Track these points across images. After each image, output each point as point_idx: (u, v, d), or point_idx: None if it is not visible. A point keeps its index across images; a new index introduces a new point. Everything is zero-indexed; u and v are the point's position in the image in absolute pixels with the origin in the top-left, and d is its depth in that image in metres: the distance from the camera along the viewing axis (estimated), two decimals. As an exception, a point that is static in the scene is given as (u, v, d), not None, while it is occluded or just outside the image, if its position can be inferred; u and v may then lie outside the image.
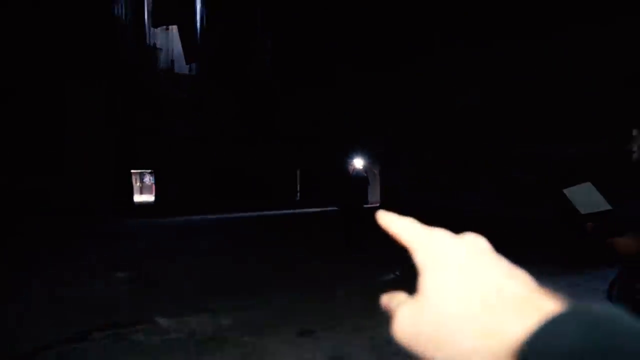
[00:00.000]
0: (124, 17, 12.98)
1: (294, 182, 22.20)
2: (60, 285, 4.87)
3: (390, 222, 0.32)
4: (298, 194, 22.14)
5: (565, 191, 1.80)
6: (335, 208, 7.07)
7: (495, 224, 9.96)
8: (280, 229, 10.20)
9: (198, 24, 13.56)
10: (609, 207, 1.67)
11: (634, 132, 1.57)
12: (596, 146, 8.26)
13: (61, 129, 12.32)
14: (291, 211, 15.10)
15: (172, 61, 16.73)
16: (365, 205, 6.92)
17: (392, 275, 5.28)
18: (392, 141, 15.23)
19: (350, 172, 6.81)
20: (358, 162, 6.89)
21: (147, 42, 13.85)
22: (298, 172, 21.97)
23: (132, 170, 19.14)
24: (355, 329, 3.49)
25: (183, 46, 14.11)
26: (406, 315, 0.25)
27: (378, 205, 15.75)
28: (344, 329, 3.48)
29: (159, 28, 15.44)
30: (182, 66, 16.82)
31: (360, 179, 6.78)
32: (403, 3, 12.74)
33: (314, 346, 3.16)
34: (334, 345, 3.16)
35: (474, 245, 0.26)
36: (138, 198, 22.43)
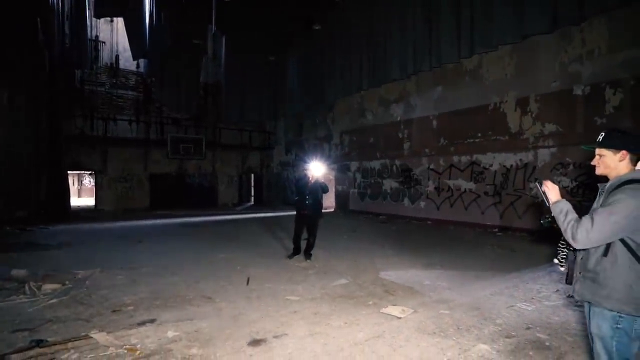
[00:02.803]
0: (61, 5, 11.90)
1: (247, 186, 21.77)
2: (-26, 300, 4.28)
3: None
4: (252, 198, 21.77)
5: (536, 184, 2.17)
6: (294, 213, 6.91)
7: (440, 229, 10.49)
8: (228, 234, 9.85)
9: (147, 18, 12.80)
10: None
11: (531, 185, 1.92)
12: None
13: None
14: (243, 216, 14.69)
15: (117, 56, 15.68)
16: (320, 213, 6.84)
17: (342, 281, 5.30)
18: (346, 147, 15.46)
19: (307, 179, 6.63)
20: (316, 169, 6.70)
21: (88, 34, 12.82)
22: (252, 177, 21.62)
23: (70, 172, 17.66)
24: (308, 334, 3.43)
25: (129, 40, 13.25)
26: None
27: (332, 210, 15.87)
28: (297, 335, 3.40)
29: (102, 20, 14.39)
30: (128, 62, 15.83)
31: (316, 186, 6.62)
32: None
33: (267, 355, 3.04)
34: (288, 353, 3.07)
35: None
36: (77, 201, 20.74)
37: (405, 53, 11.35)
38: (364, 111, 14.48)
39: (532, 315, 3.94)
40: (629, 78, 7.61)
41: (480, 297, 4.53)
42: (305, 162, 7.00)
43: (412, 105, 12.44)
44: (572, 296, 4.56)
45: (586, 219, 1.90)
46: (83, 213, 15.30)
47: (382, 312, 4.01)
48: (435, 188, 11.55)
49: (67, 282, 5.02)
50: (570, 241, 1.96)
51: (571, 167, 8.37)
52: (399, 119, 12.95)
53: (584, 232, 1.86)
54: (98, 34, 14.95)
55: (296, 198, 6.85)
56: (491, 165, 9.94)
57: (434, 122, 11.64)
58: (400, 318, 3.85)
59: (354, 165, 15.01)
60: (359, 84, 13.32)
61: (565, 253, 2.22)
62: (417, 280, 5.29)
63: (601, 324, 1.97)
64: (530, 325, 3.66)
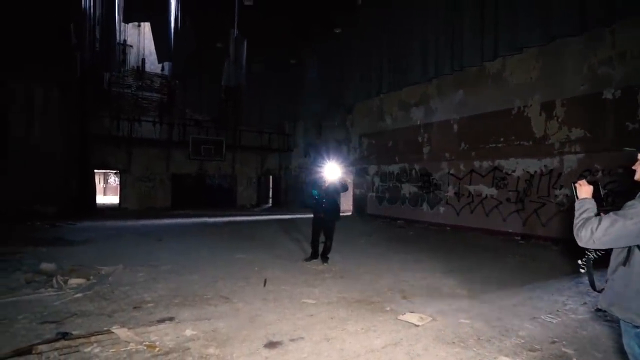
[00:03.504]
0: (92, 11, 12.41)
1: (265, 188, 21.97)
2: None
3: None
4: (270, 200, 21.95)
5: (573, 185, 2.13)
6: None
7: (461, 235, 10.27)
8: (246, 235, 9.96)
9: (172, 23, 13.16)
10: None
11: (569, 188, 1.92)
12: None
13: (4, 127, 11.54)
14: (261, 217, 14.82)
15: (143, 60, 16.17)
16: (338, 216, 6.81)
17: (358, 286, 5.25)
18: (365, 151, 15.39)
19: (323, 182, 6.63)
20: (332, 172, 6.69)
21: (117, 38, 13.29)
22: (271, 178, 21.81)
23: (96, 171, 18.29)
24: (324, 339, 3.42)
25: (155, 44, 13.65)
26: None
27: (350, 214, 15.81)
28: (313, 339, 3.39)
29: (130, 24, 14.89)
30: (153, 65, 16.29)
31: (333, 190, 6.58)
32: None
33: (283, 358, 3.05)
34: (304, 357, 3.06)
35: None
36: (102, 199, 21.47)
37: (426, 56, 11.24)
38: (383, 114, 14.39)
39: (557, 328, 3.79)
40: (664, 81, 7.27)
41: (502, 307, 4.39)
42: (320, 164, 6.97)
43: (433, 109, 12.26)
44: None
45: (595, 219, 1.83)
46: (108, 211, 15.81)
47: (400, 319, 3.95)
48: (455, 193, 11.33)
49: (91, 277, 5.18)
50: (576, 238, 1.89)
51: (600, 174, 8.04)
52: (418, 122, 12.80)
53: (589, 232, 1.81)
54: (126, 38, 15.45)
55: (313, 201, 6.84)
56: (514, 171, 9.67)
57: (455, 126, 11.44)
58: (418, 326, 3.78)
59: (372, 168, 14.91)
60: (379, 87, 13.27)
61: (589, 256, 2.14)
62: (436, 287, 5.19)
63: (630, 343, 1.88)
64: (555, 339, 3.52)
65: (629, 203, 1.84)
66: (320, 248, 6.73)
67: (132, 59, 16.12)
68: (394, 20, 12.26)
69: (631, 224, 1.73)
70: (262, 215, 15.86)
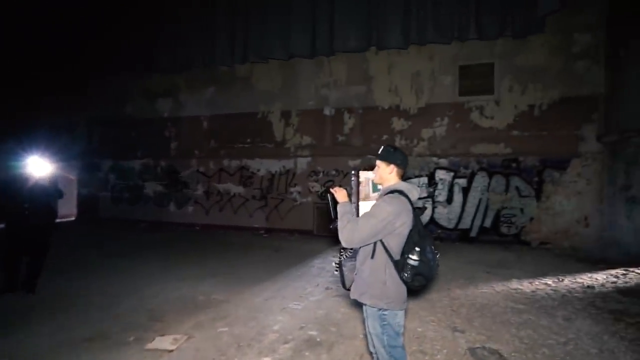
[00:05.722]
0: None
1: None
2: None
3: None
4: None
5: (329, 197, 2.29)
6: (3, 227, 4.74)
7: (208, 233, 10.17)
8: None
9: None
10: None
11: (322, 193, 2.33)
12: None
13: None
14: None
15: None
16: (51, 224, 5.03)
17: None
18: (96, 142, 12.65)
19: (26, 179, 4.75)
20: (39, 167, 4.89)
21: None
22: None
23: None
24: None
25: None
26: None
27: (74, 219, 12.57)
28: None
29: None
30: None
31: (43, 189, 4.85)
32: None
33: None
34: None
35: None
36: None
37: (176, 46, 10.43)
38: (124, 101, 12.24)
39: (302, 314, 4.18)
40: (358, 107, 9.77)
41: (257, 305, 4.46)
42: (19, 159, 4.96)
43: (182, 103, 11.52)
44: (328, 288, 5.25)
45: (354, 222, 2.05)
46: None
47: (148, 349, 3.22)
48: (205, 192, 11.12)
49: None
50: (341, 240, 2.07)
51: (321, 174, 9.92)
52: (166, 115, 11.71)
53: (350, 232, 2.03)
54: None
55: (7, 206, 4.74)
56: (259, 170, 10.48)
57: (205, 123, 11.21)
58: (171, 350, 3.20)
59: (106, 163, 12.42)
60: (121, 67, 11.23)
61: (342, 258, 2.42)
62: (190, 297, 4.70)
63: (374, 324, 2.15)
64: (302, 325, 3.84)
65: (377, 203, 2.11)
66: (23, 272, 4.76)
67: None
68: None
69: (378, 221, 1.99)
70: None
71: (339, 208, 2.17)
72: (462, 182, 8.72)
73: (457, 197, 8.74)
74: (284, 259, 7.10)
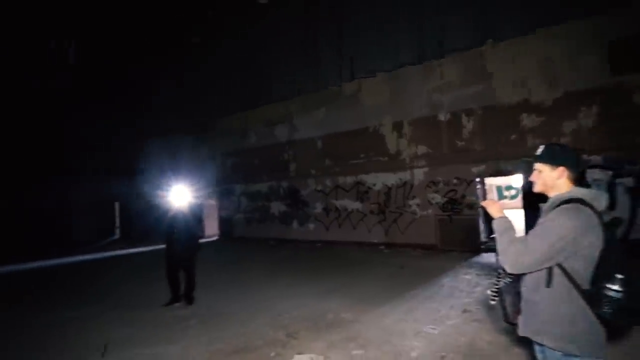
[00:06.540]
0: None
1: (111, 217, 18.41)
2: None
3: None
4: (117, 231, 18.43)
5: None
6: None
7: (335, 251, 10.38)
8: (83, 282, 7.81)
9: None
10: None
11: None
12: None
13: None
14: (105, 254, 12.10)
15: None
16: (195, 246, 5.74)
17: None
18: (229, 170, 14.45)
19: (170, 210, 5.60)
20: (180, 197, 5.69)
21: None
22: (117, 205, 18.39)
23: None
24: None
25: None
26: None
27: (216, 238, 14.48)
28: None
29: None
30: None
31: (183, 217, 5.56)
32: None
33: None
34: None
35: None
36: None
37: (288, 74, 11.28)
38: (247, 132, 13.78)
39: (440, 339, 3.79)
40: (477, 108, 8.88)
41: (388, 326, 4.25)
42: (166, 189, 5.87)
43: (296, 127, 12.33)
44: (466, 311, 4.72)
45: (519, 241, 1.67)
46: None
47: (289, 366, 3.33)
48: (323, 209, 11.52)
49: None
50: (504, 264, 1.70)
51: (441, 184, 9.27)
52: (283, 140, 12.69)
53: (517, 255, 1.65)
54: None
55: (164, 232, 5.63)
56: (375, 185, 10.38)
57: (319, 143, 11.72)
58: (310, 370, 3.23)
59: (238, 188, 14.05)
60: (242, 104, 12.71)
61: (501, 284, 1.95)
62: (320, 315, 4.77)
63: None
64: (443, 354, 3.47)
65: (541, 220, 1.71)
66: (183, 286, 5.57)
67: None
68: (255, 37, 11.97)
69: (556, 240, 1.58)
70: (107, 251, 13.00)
71: (495, 225, 1.80)
72: (628, 181, 7.02)
73: (623, 200, 7.05)
74: (408, 276, 6.74)
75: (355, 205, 10.74)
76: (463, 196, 8.87)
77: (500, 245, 1.72)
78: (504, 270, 1.82)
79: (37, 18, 12.18)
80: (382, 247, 9.93)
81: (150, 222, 17.21)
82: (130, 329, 4.52)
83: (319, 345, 3.78)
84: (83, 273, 8.92)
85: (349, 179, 10.93)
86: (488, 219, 1.88)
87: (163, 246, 5.62)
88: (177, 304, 5.46)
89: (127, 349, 3.91)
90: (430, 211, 9.34)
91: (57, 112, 15.13)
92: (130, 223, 17.96)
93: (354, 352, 3.58)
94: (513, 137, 8.30)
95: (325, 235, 11.37)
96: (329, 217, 11.36)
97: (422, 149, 9.64)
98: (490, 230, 1.96)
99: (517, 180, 12.82)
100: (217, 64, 13.28)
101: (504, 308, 2.01)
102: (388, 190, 10.11)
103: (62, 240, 14.98)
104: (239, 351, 3.74)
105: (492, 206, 1.86)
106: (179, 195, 5.73)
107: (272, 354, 3.62)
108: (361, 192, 10.63)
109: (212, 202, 14.80)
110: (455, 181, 9.04)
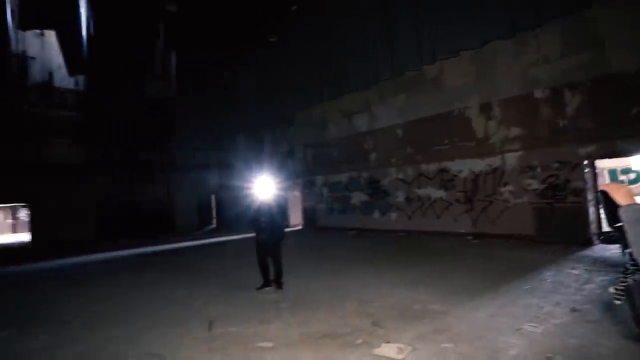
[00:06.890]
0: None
1: (207, 208, 20.44)
2: None
3: None
4: (214, 221, 20.43)
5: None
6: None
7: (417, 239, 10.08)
8: (186, 265, 8.80)
9: (84, 30, 11.56)
10: None
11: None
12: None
13: None
14: (204, 241, 13.51)
15: (51, 73, 14.10)
16: (281, 236, 5.99)
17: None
18: (310, 162, 14.88)
19: (257, 201, 5.91)
20: (265, 188, 5.99)
21: (13, 49, 11.34)
22: (213, 198, 20.34)
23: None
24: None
25: (64, 55, 11.91)
26: None
27: (301, 227, 15.12)
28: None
29: (29, 33, 12.88)
30: (65, 80, 14.30)
31: (268, 208, 5.83)
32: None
33: None
34: None
35: None
36: (10, 238, 18.34)
37: (365, 62, 11.10)
38: (326, 123, 14.03)
39: (545, 340, 3.44)
40: (584, 80, 7.72)
41: (480, 321, 3.99)
42: (251, 182, 6.19)
43: (376, 115, 12.15)
44: (575, 310, 4.19)
45: None
46: (19, 251, 13.35)
47: (376, 354, 3.33)
48: (405, 198, 11.22)
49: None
50: (638, 258, 1.45)
51: (538, 169, 8.32)
52: (363, 129, 12.61)
53: None
54: (25, 49, 13.33)
55: (251, 222, 6.02)
56: (460, 172, 9.76)
57: (399, 131, 11.39)
58: (398, 360, 3.20)
59: (320, 179, 14.43)
60: (320, 96, 12.90)
61: (629, 281, 1.64)
62: (406, 305, 4.68)
63: None
64: (549, 355, 3.14)
65: None
66: (272, 272, 5.94)
67: (35, 73, 13.96)
68: (329, 26, 12.02)
69: None
70: (205, 239, 14.50)
71: (623, 213, 1.57)
72: None
73: None
74: (502, 268, 6.22)
75: (439, 193, 10.24)
76: (567, 181, 7.84)
77: (633, 236, 1.47)
78: (634, 265, 1.57)
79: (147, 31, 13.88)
80: (470, 237, 9.32)
81: (239, 213, 18.72)
82: (229, 309, 4.98)
83: (406, 335, 3.72)
84: (186, 257, 10.08)
85: (432, 167, 10.45)
86: (609, 205, 1.62)
87: (254, 235, 6.05)
88: (268, 288, 5.85)
89: (226, 325, 4.32)
90: (525, 199, 8.47)
91: (165, 117, 17.20)
92: (224, 213, 19.72)
93: (444, 345, 3.44)
94: (634, 111, 7.04)
95: (407, 225, 11.09)
96: (411, 206, 11.03)
97: (514, 132, 8.75)
98: (614, 219, 1.62)
99: (638, 162, 10.94)
100: (295, 58, 13.67)
101: (634, 309, 1.71)
102: (475, 177, 9.42)
103: (168, 229, 17.13)
104: (326, 336, 3.87)
105: (617, 191, 1.60)
106: (264, 187, 6.04)
107: (359, 341, 3.66)
108: (445, 180, 10.09)
109: (296, 193, 15.45)
110: (556, 165, 8.03)
